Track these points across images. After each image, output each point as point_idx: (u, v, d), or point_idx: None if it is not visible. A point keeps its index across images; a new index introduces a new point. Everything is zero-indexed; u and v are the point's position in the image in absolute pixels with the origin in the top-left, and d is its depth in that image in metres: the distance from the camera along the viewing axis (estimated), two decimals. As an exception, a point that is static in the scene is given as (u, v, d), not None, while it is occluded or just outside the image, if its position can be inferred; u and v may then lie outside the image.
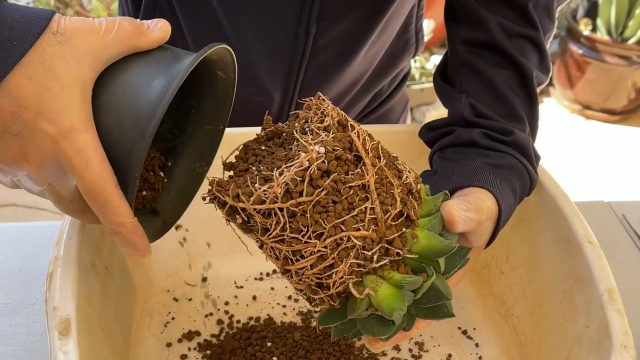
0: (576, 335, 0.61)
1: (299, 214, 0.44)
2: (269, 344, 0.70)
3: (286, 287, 0.79)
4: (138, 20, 0.46)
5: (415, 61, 2.66)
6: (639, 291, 0.83)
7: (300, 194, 0.44)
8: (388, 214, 0.47)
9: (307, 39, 0.75)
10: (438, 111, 2.61)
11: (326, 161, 0.45)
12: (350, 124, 0.48)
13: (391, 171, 0.49)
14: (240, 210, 0.45)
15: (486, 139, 0.63)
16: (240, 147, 0.52)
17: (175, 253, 0.78)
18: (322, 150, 0.45)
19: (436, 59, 2.82)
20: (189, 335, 0.72)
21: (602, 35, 2.72)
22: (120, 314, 0.66)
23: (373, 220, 0.46)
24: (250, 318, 0.74)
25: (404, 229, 0.48)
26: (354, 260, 0.45)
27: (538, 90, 0.69)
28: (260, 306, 0.76)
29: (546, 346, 0.67)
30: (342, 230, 0.45)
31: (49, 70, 0.41)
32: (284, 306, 0.76)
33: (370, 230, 0.46)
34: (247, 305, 0.76)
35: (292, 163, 0.45)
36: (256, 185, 0.45)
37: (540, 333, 0.68)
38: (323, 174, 0.45)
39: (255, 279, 0.80)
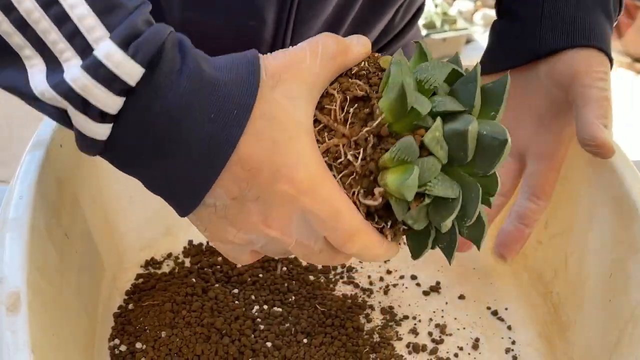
0: (630, 314, 0.50)
1: None
2: (261, 327, 0.60)
3: (286, 259, 0.69)
4: (337, 35, 0.42)
5: (436, 6, 2.46)
6: None
7: None
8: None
9: None
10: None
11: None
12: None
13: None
14: None
15: None
16: None
17: (150, 222, 0.68)
18: None
19: (460, 4, 2.62)
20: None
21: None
22: (84, 291, 0.56)
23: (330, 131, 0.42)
24: (238, 298, 0.64)
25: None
26: (339, 177, 0.41)
27: None
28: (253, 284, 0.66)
29: (593, 328, 0.55)
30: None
31: (272, 122, 0.38)
32: (282, 284, 0.66)
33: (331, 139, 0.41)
34: (237, 282, 0.66)
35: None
36: None
37: (586, 313, 0.57)
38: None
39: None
